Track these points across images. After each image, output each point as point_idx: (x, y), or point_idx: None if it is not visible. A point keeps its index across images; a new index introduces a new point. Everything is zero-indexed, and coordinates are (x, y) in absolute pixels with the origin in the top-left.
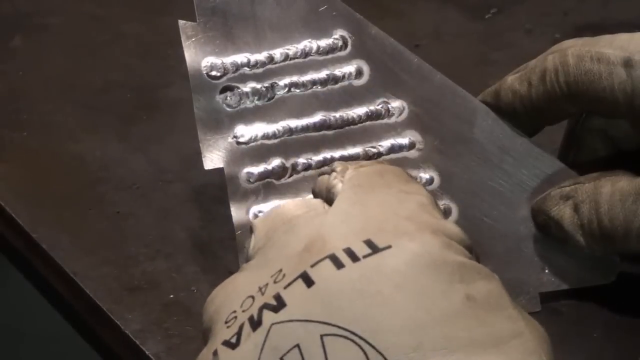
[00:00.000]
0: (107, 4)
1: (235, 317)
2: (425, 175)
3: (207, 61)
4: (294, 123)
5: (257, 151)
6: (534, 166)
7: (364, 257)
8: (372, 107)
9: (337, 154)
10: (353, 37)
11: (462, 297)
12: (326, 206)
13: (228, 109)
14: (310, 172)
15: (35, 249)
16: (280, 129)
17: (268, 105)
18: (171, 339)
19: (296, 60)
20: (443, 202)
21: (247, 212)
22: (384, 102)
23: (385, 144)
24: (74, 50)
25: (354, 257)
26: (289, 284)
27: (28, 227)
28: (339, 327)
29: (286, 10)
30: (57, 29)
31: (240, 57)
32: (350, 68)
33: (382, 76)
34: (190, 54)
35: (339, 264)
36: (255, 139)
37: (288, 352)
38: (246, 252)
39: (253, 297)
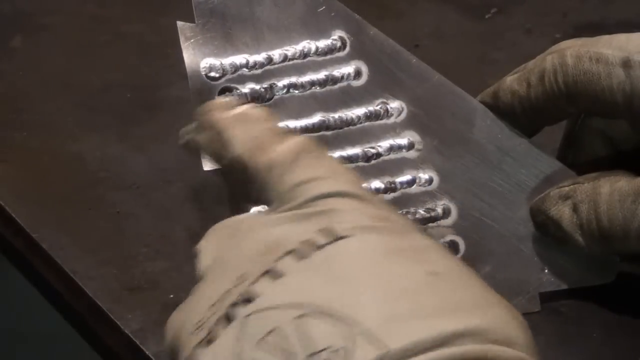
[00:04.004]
0: (107, 4)
1: (202, 324)
2: (424, 176)
3: (206, 62)
4: (292, 124)
5: None
6: (533, 166)
7: (325, 245)
8: (370, 108)
9: (336, 154)
10: (352, 38)
11: (424, 273)
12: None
13: None
14: None
15: (35, 249)
16: None
17: (267, 106)
18: None
19: (295, 61)
20: (442, 202)
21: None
22: (383, 102)
23: (384, 144)
24: (74, 50)
25: (314, 247)
26: (255, 281)
27: (28, 227)
28: (311, 307)
29: (284, 11)
30: (57, 29)
31: (239, 58)
32: (348, 69)
33: (381, 77)
34: (189, 55)
35: (301, 255)
36: None
37: (265, 336)
38: (197, 275)
39: (217, 303)
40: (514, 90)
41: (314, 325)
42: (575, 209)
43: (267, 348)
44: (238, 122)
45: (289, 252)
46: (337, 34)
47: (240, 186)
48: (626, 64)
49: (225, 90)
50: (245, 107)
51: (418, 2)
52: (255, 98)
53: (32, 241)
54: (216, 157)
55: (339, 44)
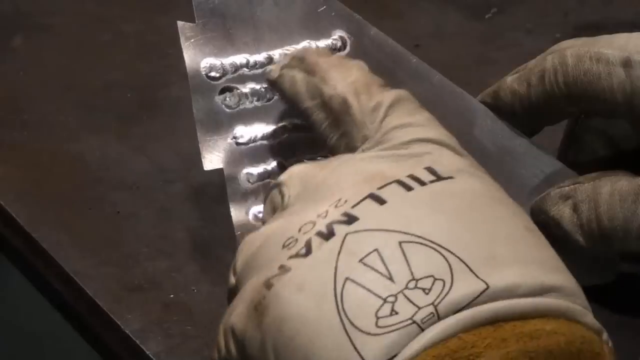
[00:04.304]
0: (107, 4)
1: (296, 240)
2: None
3: (206, 62)
4: (293, 123)
5: (257, 152)
6: (533, 166)
7: (430, 182)
8: None
9: None
10: (352, 38)
11: (524, 226)
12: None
13: (227, 110)
14: None
15: (35, 249)
16: (280, 129)
17: (267, 106)
18: (171, 339)
19: None
20: None
21: (247, 212)
22: None
23: None
24: (74, 50)
25: (420, 182)
26: (357, 204)
27: (28, 227)
28: (416, 236)
29: (285, 11)
30: (57, 29)
31: (240, 58)
32: None
33: (381, 76)
34: (189, 55)
35: (407, 187)
36: (254, 140)
37: (367, 255)
38: (278, 204)
39: (313, 222)
40: (514, 90)
41: (416, 253)
42: (575, 208)
43: (368, 266)
44: (339, 66)
45: (394, 182)
46: (338, 33)
47: (324, 126)
48: (626, 63)
49: (225, 90)
50: (341, 55)
51: (418, 2)
52: (255, 98)
53: (32, 241)
54: (311, 93)
55: (339, 43)
